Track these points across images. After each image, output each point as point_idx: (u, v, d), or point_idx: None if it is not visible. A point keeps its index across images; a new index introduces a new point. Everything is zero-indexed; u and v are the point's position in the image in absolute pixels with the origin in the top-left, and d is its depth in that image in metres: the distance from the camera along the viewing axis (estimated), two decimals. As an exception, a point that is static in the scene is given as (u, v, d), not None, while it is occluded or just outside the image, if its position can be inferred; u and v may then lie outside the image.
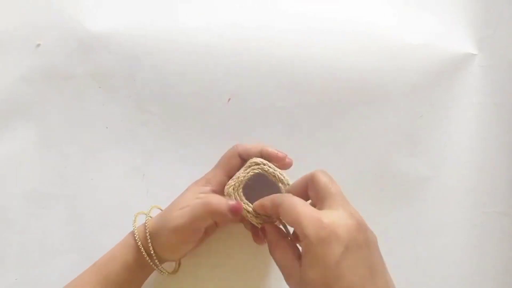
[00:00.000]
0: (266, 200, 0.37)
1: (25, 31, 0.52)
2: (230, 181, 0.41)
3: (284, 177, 0.41)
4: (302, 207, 0.33)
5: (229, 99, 0.50)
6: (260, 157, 0.42)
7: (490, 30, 0.50)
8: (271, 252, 0.36)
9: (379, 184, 0.49)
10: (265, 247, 0.39)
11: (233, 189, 0.41)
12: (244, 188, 0.41)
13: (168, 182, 0.49)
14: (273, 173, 0.41)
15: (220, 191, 0.42)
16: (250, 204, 0.40)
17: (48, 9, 0.52)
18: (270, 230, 0.38)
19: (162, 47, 0.50)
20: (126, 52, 0.50)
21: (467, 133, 0.50)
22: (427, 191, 0.49)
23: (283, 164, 0.41)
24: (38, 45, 0.52)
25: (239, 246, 0.48)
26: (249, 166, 0.41)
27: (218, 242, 0.48)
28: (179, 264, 0.45)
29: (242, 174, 0.41)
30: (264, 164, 0.41)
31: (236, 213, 0.38)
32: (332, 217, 0.31)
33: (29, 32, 0.51)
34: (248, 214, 0.40)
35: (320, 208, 0.34)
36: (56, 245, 0.49)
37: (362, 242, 0.32)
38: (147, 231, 0.40)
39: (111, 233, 0.47)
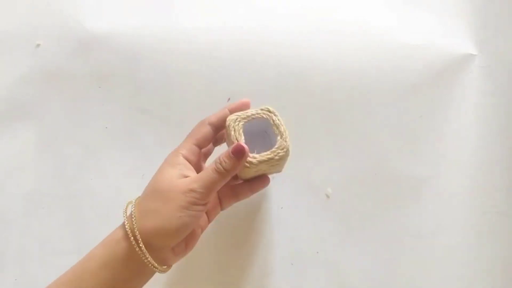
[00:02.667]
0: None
1: (25, 31, 0.52)
2: (232, 116, 0.40)
3: (286, 132, 0.41)
4: None
5: (229, 99, 0.50)
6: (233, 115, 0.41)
7: (490, 31, 0.51)
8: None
9: (379, 184, 0.49)
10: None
11: (234, 121, 0.40)
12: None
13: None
14: (279, 125, 0.40)
15: (191, 157, 0.40)
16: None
17: (48, 9, 0.52)
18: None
19: (162, 47, 0.50)
20: (126, 52, 0.50)
21: (467, 133, 0.50)
22: (427, 191, 0.49)
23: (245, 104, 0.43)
24: (38, 45, 0.52)
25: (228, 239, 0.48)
26: (232, 125, 0.40)
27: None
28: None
29: (250, 112, 0.40)
30: (275, 115, 0.41)
31: (239, 153, 0.38)
32: None
33: (29, 32, 0.51)
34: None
35: None
36: (55, 245, 0.49)
37: None
38: (134, 225, 0.37)
39: (110, 234, 0.47)
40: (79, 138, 0.50)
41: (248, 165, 0.39)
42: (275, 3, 0.51)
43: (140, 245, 0.36)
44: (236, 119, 0.40)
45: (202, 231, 0.42)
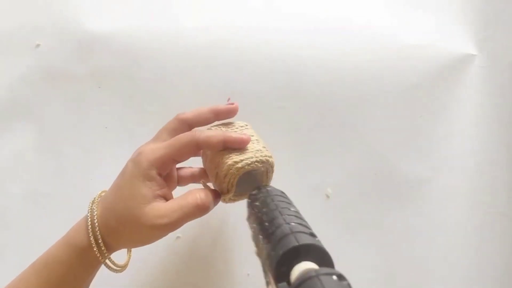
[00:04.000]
0: None
1: (24, 32, 0.52)
2: (231, 165, 0.37)
3: (241, 124, 0.41)
4: None
5: (229, 99, 0.50)
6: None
7: (490, 31, 0.51)
8: None
9: (379, 184, 0.49)
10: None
11: (234, 171, 0.37)
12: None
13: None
14: (269, 177, 0.39)
15: (164, 171, 0.38)
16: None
17: (48, 9, 0.52)
18: None
19: (162, 47, 0.50)
20: (126, 52, 0.50)
21: (467, 133, 0.50)
22: (427, 191, 0.49)
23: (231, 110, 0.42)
24: (38, 45, 0.51)
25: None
26: (260, 160, 0.37)
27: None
28: (130, 257, 0.42)
29: (248, 162, 0.37)
30: (271, 166, 0.39)
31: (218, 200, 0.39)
32: None
33: (29, 33, 0.51)
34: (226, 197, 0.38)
35: None
36: (55, 245, 0.49)
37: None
38: (95, 219, 0.37)
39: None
40: (79, 138, 0.50)
41: (227, 199, 0.39)
42: (275, 3, 0.51)
43: (104, 253, 0.37)
44: (237, 171, 0.37)
45: None
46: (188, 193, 0.37)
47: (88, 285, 0.39)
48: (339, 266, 0.47)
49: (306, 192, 0.49)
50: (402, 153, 0.49)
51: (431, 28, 0.51)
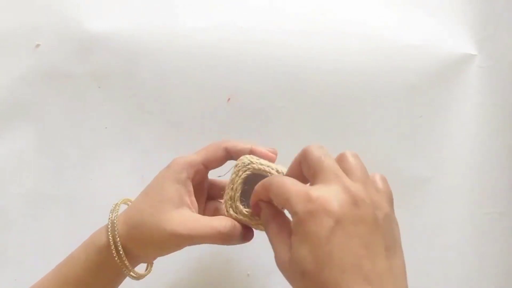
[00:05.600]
0: (258, 187, 0.34)
1: (24, 32, 0.52)
2: (225, 195, 0.38)
3: (278, 169, 0.37)
4: (290, 185, 0.30)
5: (229, 99, 0.50)
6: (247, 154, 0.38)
7: (490, 30, 0.51)
8: (266, 228, 0.34)
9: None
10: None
11: (230, 201, 0.37)
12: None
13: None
14: (266, 169, 0.37)
15: (195, 178, 0.38)
16: (248, 210, 0.37)
17: (47, 9, 0.52)
18: (264, 206, 0.35)
19: (162, 47, 0.50)
20: (126, 52, 0.50)
21: (467, 133, 0.50)
22: (426, 191, 0.49)
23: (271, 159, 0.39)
24: (38, 45, 0.51)
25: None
26: (240, 170, 0.37)
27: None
28: (149, 271, 0.41)
29: (235, 181, 0.37)
30: (254, 163, 0.37)
31: (248, 239, 0.37)
32: (322, 191, 0.29)
33: (28, 32, 0.51)
34: (247, 221, 0.37)
35: (312, 184, 0.31)
36: (55, 245, 0.49)
37: (358, 218, 0.28)
38: (116, 227, 0.36)
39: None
40: (79, 139, 0.50)
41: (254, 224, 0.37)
42: (275, 3, 0.51)
43: (124, 261, 0.36)
44: (248, 164, 0.37)
45: None
46: (217, 217, 0.37)
47: None
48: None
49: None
50: (402, 153, 0.49)
51: (430, 28, 0.51)
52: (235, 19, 0.51)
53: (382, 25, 0.51)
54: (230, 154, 0.39)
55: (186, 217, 0.36)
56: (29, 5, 0.52)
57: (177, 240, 0.35)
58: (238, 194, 0.37)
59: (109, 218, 0.37)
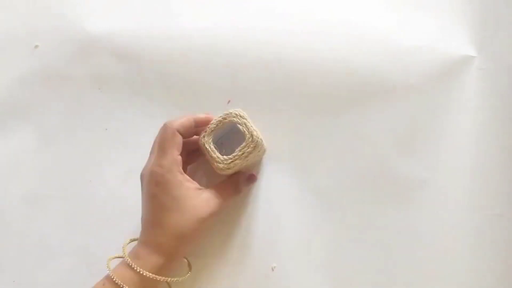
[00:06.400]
0: None
1: (23, 33, 0.51)
2: (208, 127, 0.44)
3: (254, 133, 0.43)
4: None
5: (229, 101, 0.50)
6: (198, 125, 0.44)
7: (490, 32, 0.51)
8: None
9: (377, 185, 0.49)
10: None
11: (203, 139, 0.43)
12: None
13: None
14: (248, 125, 0.43)
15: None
16: (216, 151, 0.43)
17: (46, 10, 0.52)
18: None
19: (161, 48, 0.50)
20: (126, 54, 0.50)
21: (465, 135, 0.50)
22: (425, 193, 0.49)
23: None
24: (36, 46, 0.51)
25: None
26: (229, 114, 0.43)
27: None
28: (189, 264, 0.45)
29: (218, 120, 0.43)
30: (243, 117, 0.43)
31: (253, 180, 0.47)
32: None
33: (27, 34, 0.51)
34: (219, 165, 0.43)
35: None
36: (54, 247, 0.49)
37: None
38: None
39: (109, 236, 0.47)
40: (78, 140, 0.50)
41: (221, 166, 0.43)
42: (275, 3, 0.51)
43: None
44: (203, 136, 0.43)
45: None
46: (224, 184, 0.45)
47: None
48: (337, 267, 0.47)
49: (306, 193, 0.49)
50: (400, 155, 0.49)
51: (430, 30, 0.51)
52: (235, 20, 0.51)
53: (382, 26, 0.51)
54: (182, 134, 0.43)
55: (207, 195, 0.43)
56: (28, 6, 0.52)
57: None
58: (213, 127, 0.43)
59: (107, 267, 0.41)
